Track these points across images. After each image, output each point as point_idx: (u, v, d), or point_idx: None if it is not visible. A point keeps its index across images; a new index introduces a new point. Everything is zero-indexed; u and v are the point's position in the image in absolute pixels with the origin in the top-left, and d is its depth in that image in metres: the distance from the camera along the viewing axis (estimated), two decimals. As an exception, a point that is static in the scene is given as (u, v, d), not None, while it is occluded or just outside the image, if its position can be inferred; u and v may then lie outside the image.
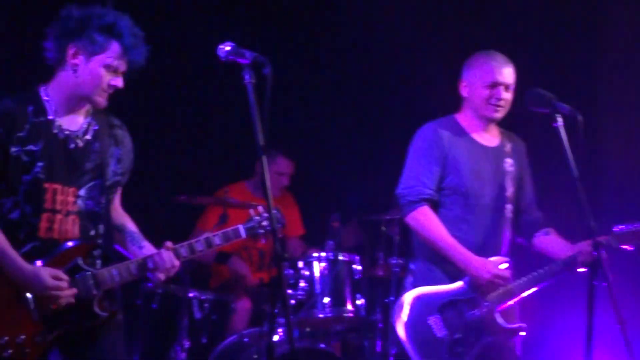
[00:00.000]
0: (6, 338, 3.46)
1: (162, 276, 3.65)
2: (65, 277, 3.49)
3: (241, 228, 3.78)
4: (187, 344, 5.06)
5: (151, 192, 6.55)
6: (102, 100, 3.63)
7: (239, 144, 6.52)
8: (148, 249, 3.75)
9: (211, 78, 6.40)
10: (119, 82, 3.62)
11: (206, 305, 5.41)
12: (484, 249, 4.34)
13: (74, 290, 3.49)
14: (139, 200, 5.88)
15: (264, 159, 3.27)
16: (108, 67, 3.58)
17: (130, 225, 3.85)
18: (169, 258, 3.64)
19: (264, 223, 3.79)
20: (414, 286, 4.41)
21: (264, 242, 6.06)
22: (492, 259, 4.31)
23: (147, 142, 6.41)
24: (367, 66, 6.88)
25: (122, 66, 3.61)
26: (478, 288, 4.28)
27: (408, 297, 4.34)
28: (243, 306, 5.88)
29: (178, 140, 6.91)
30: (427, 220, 4.35)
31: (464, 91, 4.48)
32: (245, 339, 5.21)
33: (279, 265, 3.18)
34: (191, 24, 6.72)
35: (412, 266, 4.54)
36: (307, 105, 7.00)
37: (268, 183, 3.28)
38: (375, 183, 6.65)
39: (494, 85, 4.37)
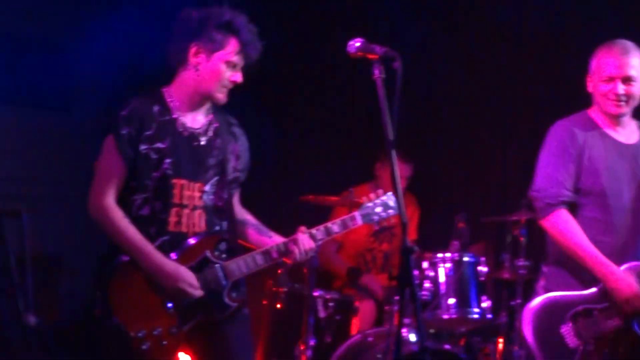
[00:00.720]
0: (144, 331, 3.56)
1: (297, 257, 3.75)
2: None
3: (357, 215, 3.87)
4: (312, 341, 5.10)
5: (278, 192, 6.64)
6: (222, 96, 3.75)
7: (364, 145, 6.54)
8: (277, 238, 3.85)
9: (340, 79, 6.44)
10: (238, 77, 3.74)
11: (331, 304, 5.43)
12: (623, 253, 4.13)
13: (201, 292, 3.60)
14: (266, 200, 5.99)
15: (394, 153, 3.26)
16: (228, 63, 3.70)
17: (252, 219, 3.96)
18: (307, 239, 3.76)
19: (378, 209, 3.88)
20: (546, 290, 4.24)
21: (387, 244, 6.13)
22: (629, 265, 4.09)
23: (275, 142, 6.54)
24: (491, 62, 6.75)
25: (241, 61, 3.73)
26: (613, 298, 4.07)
27: (539, 303, 4.18)
28: (367, 307, 5.88)
29: (305, 140, 6.97)
30: (566, 226, 4.15)
31: (589, 86, 4.29)
32: (369, 338, 5.22)
33: (406, 257, 3.15)
34: (321, 23, 6.78)
35: (544, 269, 4.35)
36: (432, 103, 6.94)
37: (397, 177, 3.26)
38: (502, 183, 6.56)
39: (610, 79, 4.17)
